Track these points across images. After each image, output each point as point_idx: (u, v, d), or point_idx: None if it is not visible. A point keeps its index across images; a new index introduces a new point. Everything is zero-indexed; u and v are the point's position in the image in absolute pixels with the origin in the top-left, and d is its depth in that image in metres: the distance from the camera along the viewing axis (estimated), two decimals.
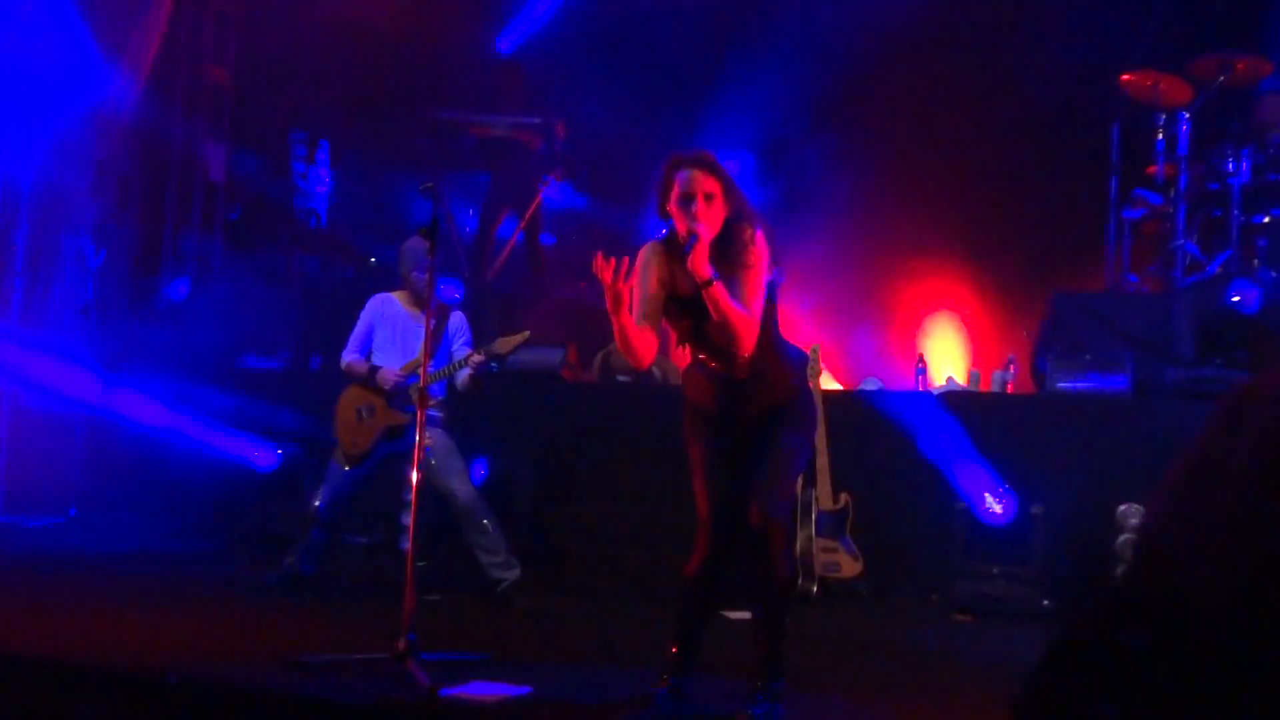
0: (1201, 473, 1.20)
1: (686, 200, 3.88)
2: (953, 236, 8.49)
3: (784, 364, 4.06)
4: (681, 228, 3.90)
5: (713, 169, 3.92)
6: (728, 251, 3.90)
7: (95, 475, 8.38)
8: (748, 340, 3.86)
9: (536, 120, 9.52)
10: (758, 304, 3.89)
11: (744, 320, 3.84)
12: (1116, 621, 1.18)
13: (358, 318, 6.29)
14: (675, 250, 3.97)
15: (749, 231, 3.91)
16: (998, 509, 6.10)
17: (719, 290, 3.80)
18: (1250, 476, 1.16)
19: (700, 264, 3.81)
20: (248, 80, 9.68)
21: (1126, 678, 1.11)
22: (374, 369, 6.10)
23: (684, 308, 3.99)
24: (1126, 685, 1.11)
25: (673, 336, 4.16)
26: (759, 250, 3.90)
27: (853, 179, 8.72)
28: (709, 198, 3.89)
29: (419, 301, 6.17)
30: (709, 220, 3.87)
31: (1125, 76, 7.72)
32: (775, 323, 4.05)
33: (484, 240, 9.60)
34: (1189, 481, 1.20)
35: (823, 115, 9.17)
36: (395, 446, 6.07)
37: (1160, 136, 7.65)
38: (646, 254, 4.05)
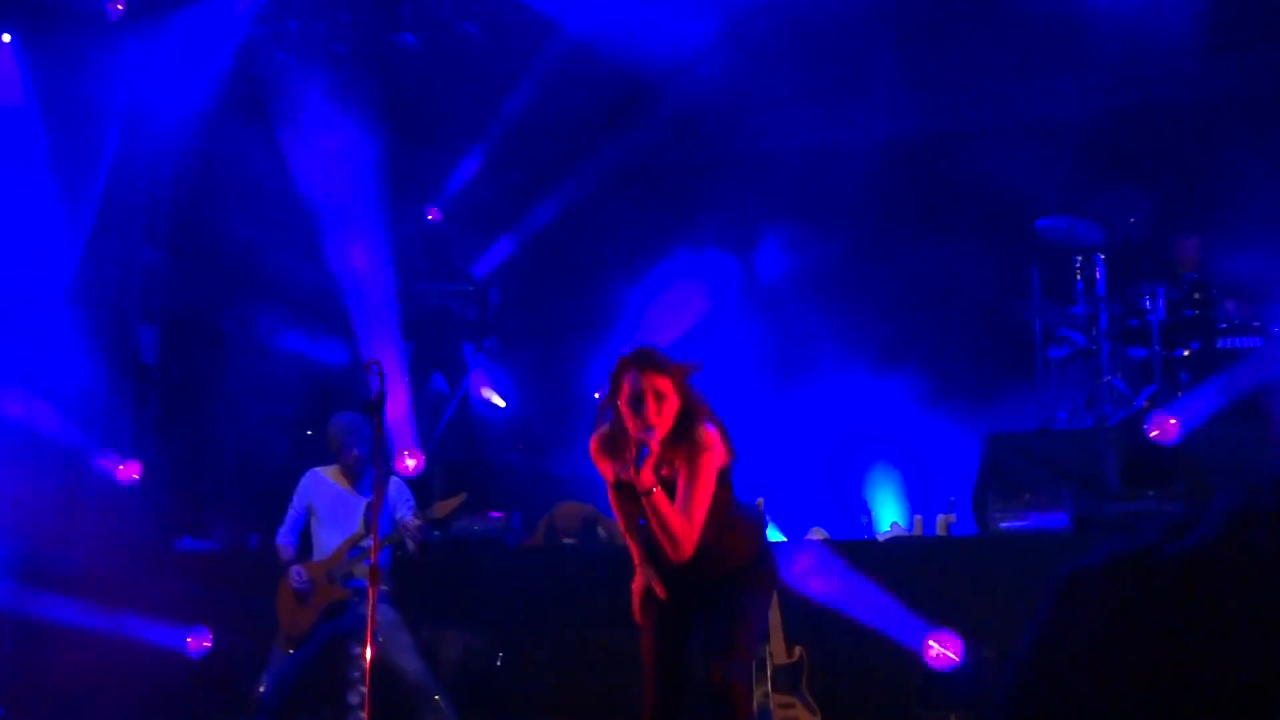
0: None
1: (637, 401, 3.78)
2: (888, 383, 8.61)
3: (741, 535, 4.03)
4: (633, 429, 3.81)
5: (662, 367, 3.82)
6: (680, 447, 3.82)
7: (23, 675, 8.04)
8: (685, 547, 3.78)
9: (469, 287, 9.60)
10: (703, 504, 3.80)
11: (683, 530, 3.76)
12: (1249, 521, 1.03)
13: (292, 495, 6.22)
14: (618, 442, 3.91)
15: (700, 429, 3.82)
16: (950, 655, 6.05)
17: (659, 498, 3.75)
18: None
19: (645, 475, 3.74)
20: (181, 259, 9.68)
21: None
22: (287, 564, 6.00)
23: (630, 495, 3.90)
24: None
25: (616, 509, 4.14)
26: (711, 453, 3.82)
27: (785, 330, 8.85)
28: (660, 397, 3.79)
29: (352, 475, 6.11)
30: (660, 421, 3.79)
31: (1040, 222, 7.98)
32: (731, 504, 3.97)
33: (418, 409, 9.57)
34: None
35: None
36: (337, 625, 5.94)
37: (1079, 277, 7.89)
38: (595, 450, 4.01)
